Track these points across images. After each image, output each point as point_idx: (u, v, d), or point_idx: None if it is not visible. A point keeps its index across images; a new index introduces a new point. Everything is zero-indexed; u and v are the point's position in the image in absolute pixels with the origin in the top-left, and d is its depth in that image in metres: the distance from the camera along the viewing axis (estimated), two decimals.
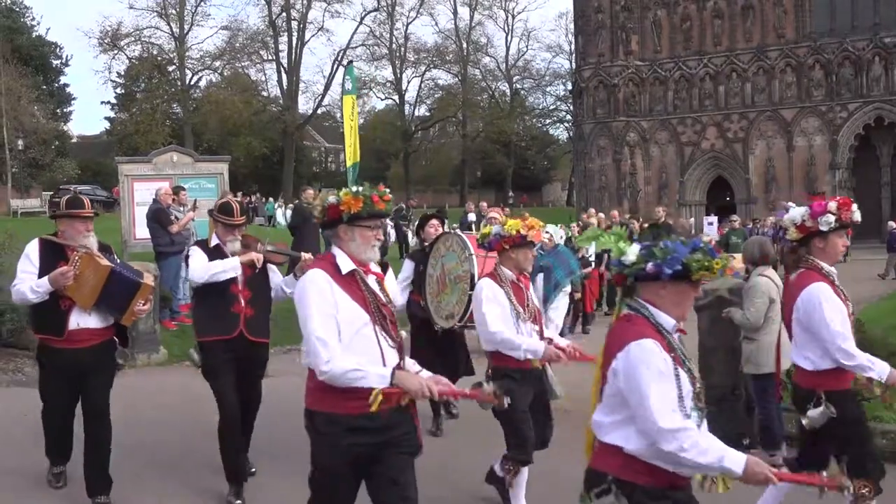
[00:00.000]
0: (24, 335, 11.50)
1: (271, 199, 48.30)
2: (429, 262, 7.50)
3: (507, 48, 72.41)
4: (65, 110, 55.96)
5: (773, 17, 39.69)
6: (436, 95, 70.84)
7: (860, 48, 37.88)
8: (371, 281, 3.90)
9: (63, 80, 55.69)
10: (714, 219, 28.71)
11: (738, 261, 15.78)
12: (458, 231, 8.45)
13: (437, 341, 7.38)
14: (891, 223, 27.71)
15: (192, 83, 60.14)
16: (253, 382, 6.06)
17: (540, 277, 8.69)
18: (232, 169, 15.04)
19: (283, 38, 60.07)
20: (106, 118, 64.94)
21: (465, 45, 67.86)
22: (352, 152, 13.71)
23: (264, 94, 64.93)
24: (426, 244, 7.81)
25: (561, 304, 8.79)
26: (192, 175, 13.97)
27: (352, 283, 3.78)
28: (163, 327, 11.35)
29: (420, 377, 3.74)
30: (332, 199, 3.86)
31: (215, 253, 5.81)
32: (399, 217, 23.42)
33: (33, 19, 53.54)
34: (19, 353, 11.20)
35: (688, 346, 5.25)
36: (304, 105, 65.23)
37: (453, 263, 7.22)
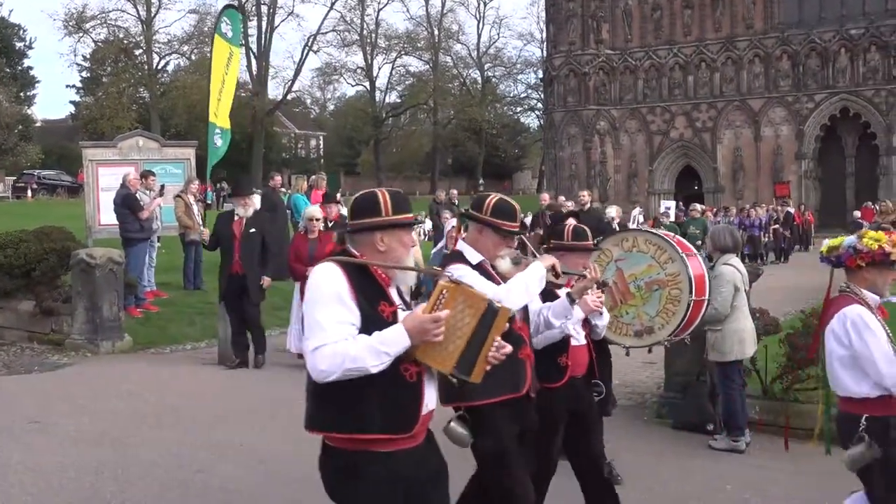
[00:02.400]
0: None
1: None
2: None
3: (479, 35, 72.50)
4: (28, 93, 55.06)
5: (742, 8, 39.98)
6: (407, 82, 70.66)
7: (827, 39, 38.26)
8: None
9: (27, 62, 54.88)
10: (672, 204, 28.10)
11: None
12: (657, 229, 6.95)
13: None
14: (855, 213, 28.08)
15: (160, 67, 59.45)
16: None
17: None
18: (200, 154, 14.81)
19: (253, 23, 59.45)
20: (71, 102, 64.07)
21: (436, 32, 67.62)
22: (221, 113, 11.19)
23: None
24: None
25: None
26: (158, 160, 13.77)
27: None
28: (128, 314, 11.22)
29: None
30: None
31: (480, 273, 3.97)
32: None
33: None
34: None
35: None
36: (274, 90, 64.68)
37: (644, 266, 6.07)
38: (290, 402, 8.02)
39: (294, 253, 9.59)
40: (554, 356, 4.54)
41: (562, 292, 4.58)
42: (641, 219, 19.46)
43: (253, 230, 9.54)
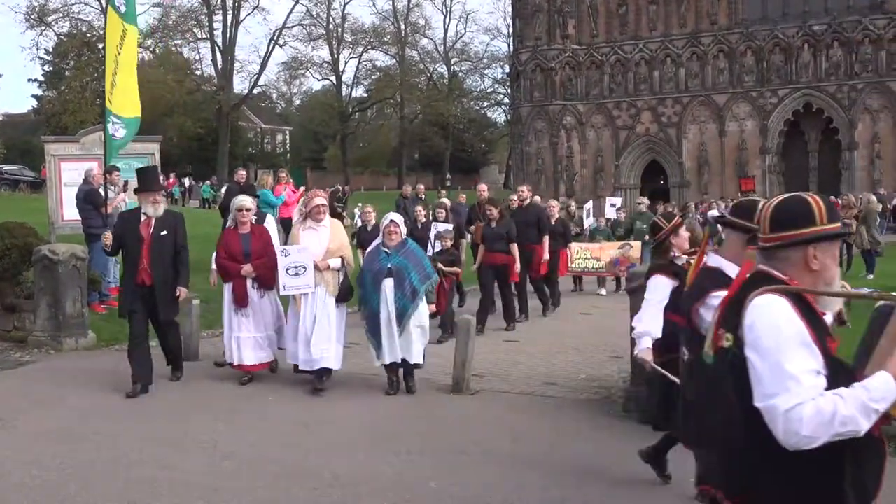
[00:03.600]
0: None
1: (209, 182, 47.60)
2: None
3: (446, 30, 72.62)
4: None
5: (707, 4, 40.37)
6: (373, 77, 70.51)
7: (790, 35, 38.75)
8: None
9: None
10: (618, 200, 27.21)
11: (635, 249, 15.28)
12: None
13: None
14: None
15: None
16: None
17: (388, 284, 7.82)
18: (165, 149, 14.75)
19: (218, 17, 59.02)
20: (33, 96, 63.31)
21: (402, 27, 67.56)
22: (119, 99, 9.92)
23: (198, 73, 63.82)
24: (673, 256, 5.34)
25: (424, 317, 7.98)
26: (122, 155, 13.59)
27: None
28: (91, 311, 11.08)
29: None
30: None
31: None
32: (335, 200, 23.25)
33: None
34: None
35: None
36: (240, 85, 64.27)
37: None
38: (251, 398, 8.02)
39: (225, 250, 8.40)
40: None
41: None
42: (614, 211, 19.30)
43: (164, 232, 8.03)
